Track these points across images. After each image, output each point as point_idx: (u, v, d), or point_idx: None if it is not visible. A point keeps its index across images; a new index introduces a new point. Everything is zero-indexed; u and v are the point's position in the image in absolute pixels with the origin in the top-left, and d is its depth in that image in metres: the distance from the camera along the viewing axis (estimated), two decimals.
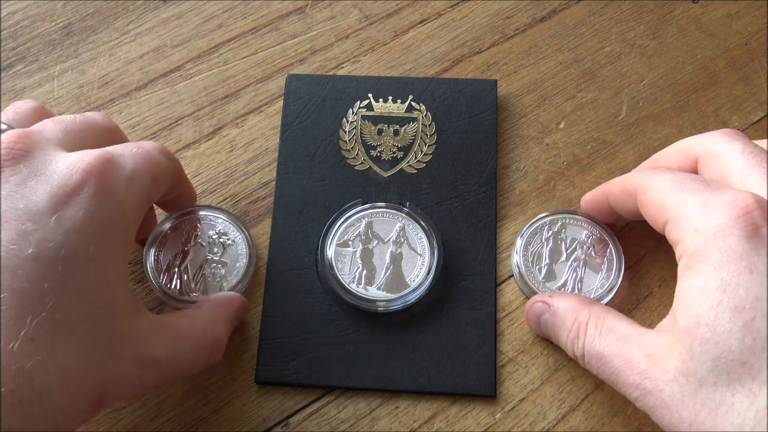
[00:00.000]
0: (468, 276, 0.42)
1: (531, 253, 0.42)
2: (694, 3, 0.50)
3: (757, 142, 0.37)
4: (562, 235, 0.42)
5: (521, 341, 0.41)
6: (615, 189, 0.39)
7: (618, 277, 0.41)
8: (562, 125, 0.46)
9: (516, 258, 0.42)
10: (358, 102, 0.46)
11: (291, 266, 0.43)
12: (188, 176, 0.45)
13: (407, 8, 0.50)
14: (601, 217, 0.42)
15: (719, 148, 0.36)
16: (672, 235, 0.34)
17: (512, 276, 0.42)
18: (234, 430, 0.39)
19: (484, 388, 0.40)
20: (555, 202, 0.44)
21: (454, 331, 0.41)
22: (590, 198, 0.42)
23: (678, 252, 0.34)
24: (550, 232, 0.43)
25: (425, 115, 0.46)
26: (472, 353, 0.41)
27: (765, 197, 0.33)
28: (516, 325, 0.42)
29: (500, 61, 0.48)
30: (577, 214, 0.43)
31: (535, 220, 0.43)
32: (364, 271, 0.41)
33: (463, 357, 0.40)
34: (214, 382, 0.40)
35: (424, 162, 0.45)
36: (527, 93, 0.47)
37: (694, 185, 0.34)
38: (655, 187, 0.35)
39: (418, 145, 0.45)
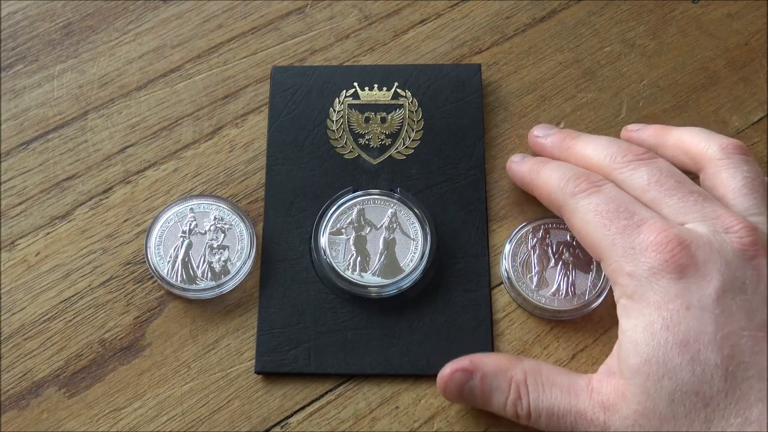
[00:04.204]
0: (461, 259, 0.42)
1: (519, 263, 0.42)
2: (694, 3, 0.50)
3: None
4: (548, 241, 0.42)
5: (521, 341, 0.41)
6: (540, 190, 0.40)
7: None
8: (562, 125, 0.46)
9: (505, 264, 0.42)
10: (344, 91, 0.47)
11: (285, 257, 0.43)
12: (188, 176, 0.45)
13: (407, 8, 0.50)
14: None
15: (722, 178, 0.37)
16: (607, 273, 0.36)
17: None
18: (234, 430, 0.39)
19: None
20: None
21: (450, 313, 0.41)
22: (517, 174, 0.42)
23: (616, 294, 0.36)
24: (535, 240, 0.42)
25: (411, 102, 0.46)
26: (469, 334, 0.41)
27: (696, 232, 0.34)
28: (516, 325, 0.42)
29: (500, 61, 0.48)
30: (558, 218, 0.43)
31: (518, 229, 0.43)
32: (359, 258, 0.42)
33: (461, 338, 0.41)
34: (214, 381, 0.40)
35: (412, 148, 0.45)
36: (527, 93, 0.47)
37: (620, 222, 0.35)
38: (581, 217, 0.37)
39: (406, 131, 0.45)
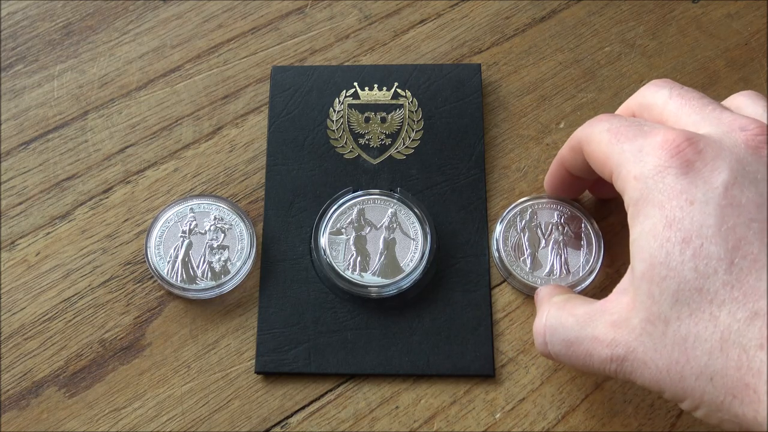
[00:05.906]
0: (461, 258, 0.43)
1: (510, 246, 0.42)
2: (694, 3, 0.50)
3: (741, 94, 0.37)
4: (536, 221, 0.43)
5: (521, 341, 0.41)
6: (564, 151, 0.40)
7: (600, 249, 0.42)
8: (562, 125, 0.46)
9: (495, 244, 0.42)
10: (344, 91, 0.47)
11: (285, 257, 0.43)
12: (188, 176, 0.45)
13: (407, 8, 0.50)
14: (564, 191, 0.42)
15: (649, 98, 0.37)
16: (617, 185, 0.35)
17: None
18: (234, 430, 0.39)
19: (483, 368, 0.40)
20: None
21: (450, 313, 0.41)
22: (549, 175, 0.42)
23: (625, 203, 0.34)
24: (523, 222, 0.43)
25: (411, 102, 0.46)
26: (469, 334, 0.41)
27: (697, 132, 0.33)
28: (516, 325, 0.42)
29: (500, 61, 0.48)
30: (543, 198, 0.43)
31: (506, 212, 0.43)
32: (359, 258, 0.42)
33: (461, 338, 0.41)
34: (214, 382, 0.40)
35: (412, 148, 0.45)
36: (527, 93, 0.47)
37: (629, 132, 0.35)
38: (596, 138, 0.36)
39: (406, 131, 0.45)
